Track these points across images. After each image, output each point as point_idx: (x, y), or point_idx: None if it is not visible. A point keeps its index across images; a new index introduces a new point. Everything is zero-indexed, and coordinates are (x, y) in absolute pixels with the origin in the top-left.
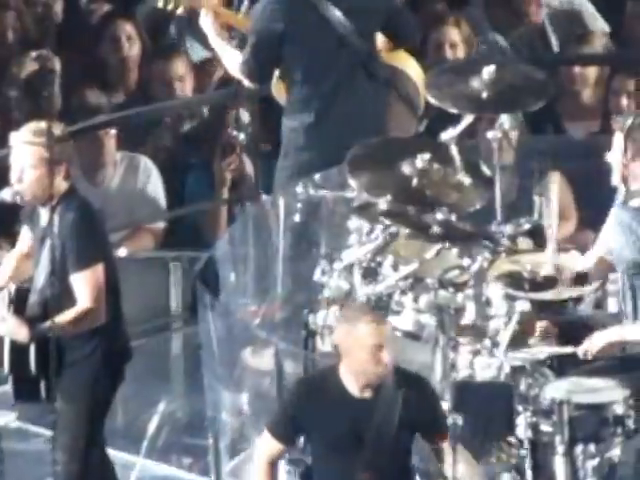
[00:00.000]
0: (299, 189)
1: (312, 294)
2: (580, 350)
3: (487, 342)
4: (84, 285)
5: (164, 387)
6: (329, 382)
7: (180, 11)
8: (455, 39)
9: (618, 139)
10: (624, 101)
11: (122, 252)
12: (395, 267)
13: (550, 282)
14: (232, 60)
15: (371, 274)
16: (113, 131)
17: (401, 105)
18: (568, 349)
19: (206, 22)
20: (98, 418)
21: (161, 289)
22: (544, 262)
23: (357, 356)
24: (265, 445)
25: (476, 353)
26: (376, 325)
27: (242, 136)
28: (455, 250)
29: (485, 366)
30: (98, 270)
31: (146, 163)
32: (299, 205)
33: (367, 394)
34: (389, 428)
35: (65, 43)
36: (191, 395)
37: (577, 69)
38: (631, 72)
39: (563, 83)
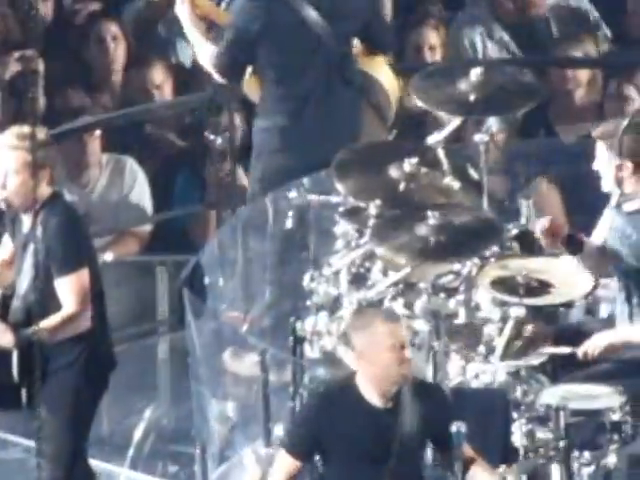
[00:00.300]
0: (292, 194)
1: (299, 300)
2: (580, 351)
3: (482, 348)
4: (69, 289)
5: (150, 393)
6: (347, 394)
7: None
8: (434, 42)
9: (600, 147)
10: (623, 105)
11: (108, 256)
12: (385, 272)
13: (545, 287)
14: (205, 53)
15: (360, 280)
16: (98, 132)
17: (372, 113)
18: (567, 350)
19: (182, 10)
20: (83, 427)
21: (147, 294)
22: (536, 267)
23: (380, 359)
24: (282, 463)
25: (469, 359)
26: (393, 324)
27: (219, 140)
28: None
29: (479, 373)
30: (83, 274)
31: (132, 165)
32: (290, 210)
33: (388, 404)
34: (412, 437)
35: (51, 44)
36: (178, 402)
37: (568, 70)
38: (627, 75)
39: (554, 83)
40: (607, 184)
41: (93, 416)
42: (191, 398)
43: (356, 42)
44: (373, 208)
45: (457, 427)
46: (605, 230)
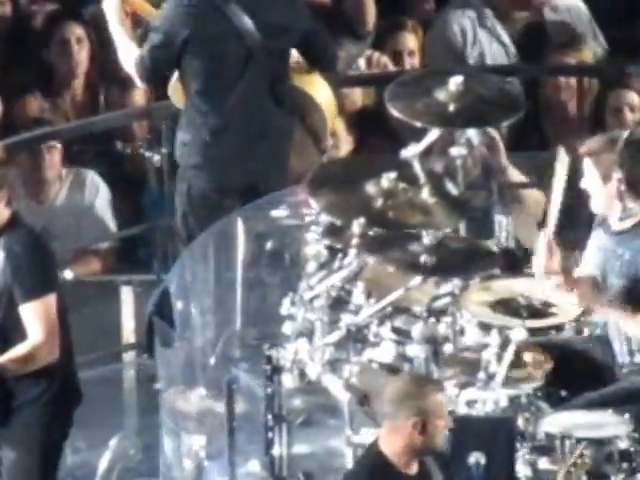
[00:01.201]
0: (276, 213)
1: (272, 327)
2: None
3: (482, 374)
4: (35, 317)
5: (116, 422)
6: (377, 467)
7: None
8: (413, 46)
9: (587, 164)
10: (629, 115)
11: (68, 275)
12: (368, 295)
13: (547, 308)
14: (127, 53)
15: (340, 303)
16: (58, 145)
17: (304, 135)
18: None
19: (109, 4)
20: (52, 468)
21: (111, 316)
22: (522, 288)
23: (430, 428)
24: None
25: (463, 386)
26: (441, 392)
27: (156, 157)
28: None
29: (479, 400)
30: (50, 301)
31: (93, 178)
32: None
33: (414, 469)
34: None
35: (7, 49)
36: (145, 431)
37: (562, 78)
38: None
39: (548, 93)
40: (596, 204)
41: (60, 456)
42: (160, 427)
43: (296, 56)
44: (357, 226)
45: (476, 458)
46: (593, 252)
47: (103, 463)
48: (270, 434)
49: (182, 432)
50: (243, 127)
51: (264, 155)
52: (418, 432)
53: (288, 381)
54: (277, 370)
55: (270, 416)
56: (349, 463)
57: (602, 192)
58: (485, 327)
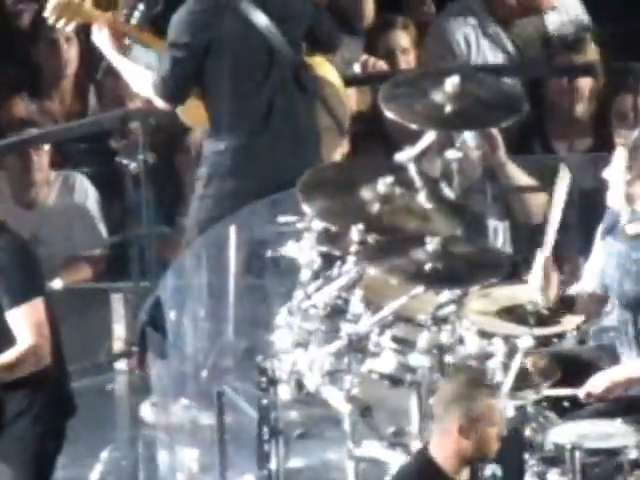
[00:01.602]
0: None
1: (267, 336)
2: (581, 393)
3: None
4: (23, 321)
5: (107, 433)
6: (424, 472)
7: (70, 27)
8: (405, 44)
9: (620, 154)
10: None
11: (57, 284)
12: (367, 303)
13: (554, 315)
14: (142, 80)
15: (337, 313)
16: (46, 147)
17: (327, 118)
18: (568, 391)
19: (101, 39)
20: None
21: (102, 324)
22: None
23: (483, 434)
24: None
25: None
26: (496, 397)
27: (133, 165)
28: None
29: None
30: (38, 305)
31: (82, 182)
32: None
33: (464, 476)
34: None
35: None
36: (138, 442)
37: (565, 81)
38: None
39: (552, 95)
40: (614, 197)
41: (53, 470)
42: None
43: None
44: (355, 233)
45: (492, 470)
46: (600, 259)
47: (95, 475)
48: (266, 447)
49: (175, 445)
50: (278, 124)
51: (301, 149)
52: (465, 437)
53: (285, 393)
54: (273, 382)
55: (266, 429)
56: (350, 477)
57: (625, 186)
58: (487, 335)
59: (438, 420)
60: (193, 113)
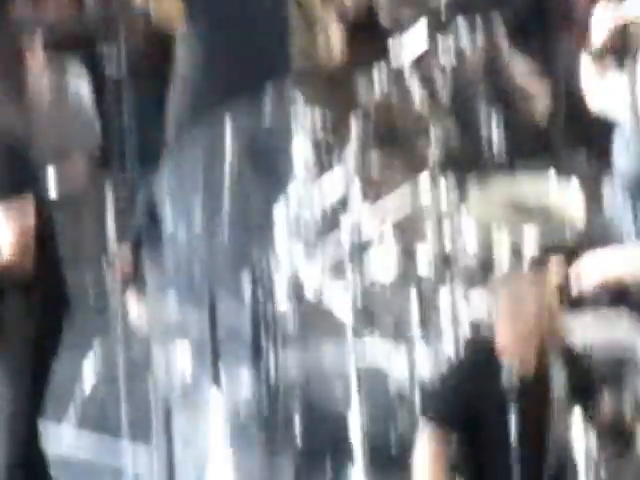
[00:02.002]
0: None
1: (262, 232)
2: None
3: None
4: (3, 219)
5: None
6: (484, 357)
7: None
8: None
9: None
10: None
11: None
12: (366, 195)
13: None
14: None
15: (336, 208)
16: (38, 35)
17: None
18: None
19: None
20: (42, 381)
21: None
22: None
23: (528, 322)
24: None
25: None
26: (541, 282)
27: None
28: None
29: None
30: (23, 205)
31: (74, 64)
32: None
33: (534, 370)
34: (561, 404)
35: None
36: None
37: None
38: None
39: None
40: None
41: (49, 372)
42: None
43: None
44: (355, 120)
45: None
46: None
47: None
48: (261, 347)
49: (167, 339)
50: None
51: (268, 36)
52: (513, 325)
53: (281, 297)
54: (269, 282)
55: (261, 332)
56: (352, 384)
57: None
58: (494, 231)
59: (492, 305)
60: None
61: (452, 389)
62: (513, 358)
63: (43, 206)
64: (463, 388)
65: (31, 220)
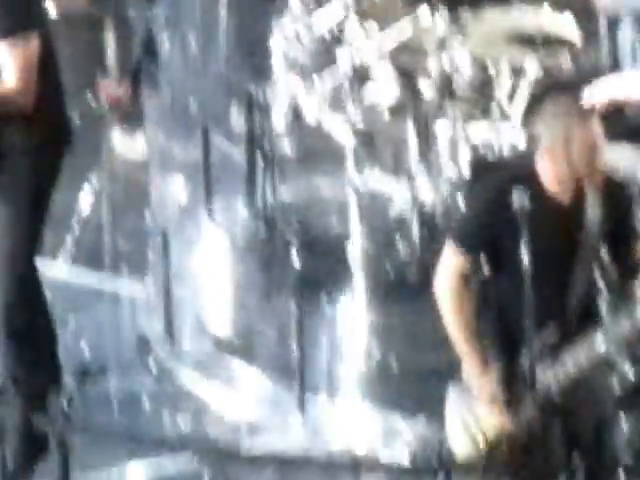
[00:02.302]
0: None
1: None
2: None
3: (495, 110)
4: (9, 58)
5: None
6: (526, 185)
7: None
8: None
9: None
10: None
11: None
12: (365, 28)
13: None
14: None
15: (334, 39)
16: None
17: None
18: None
19: None
20: (38, 217)
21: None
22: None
23: (569, 156)
24: (450, 260)
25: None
26: (588, 118)
27: None
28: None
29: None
30: (27, 41)
31: None
32: None
33: (573, 199)
34: (595, 235)
35: None
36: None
37: None
38: None
39: None
40: None
41: (48, 205)
42: None
43: None
44: None
45: None
46: None
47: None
48: (257, 177)
49: (164, 174)
50: None
51: None
52: (554, 157)
53: (279, 122)
54: (265, 109)
55: (259, 157)
56: (352, 207)
57: None
58: (493, 62)
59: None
60: None
61: (466, 210)
62: (552, 186)
63: (44, 31)
64: (475, 209)
65: (35, 57)
